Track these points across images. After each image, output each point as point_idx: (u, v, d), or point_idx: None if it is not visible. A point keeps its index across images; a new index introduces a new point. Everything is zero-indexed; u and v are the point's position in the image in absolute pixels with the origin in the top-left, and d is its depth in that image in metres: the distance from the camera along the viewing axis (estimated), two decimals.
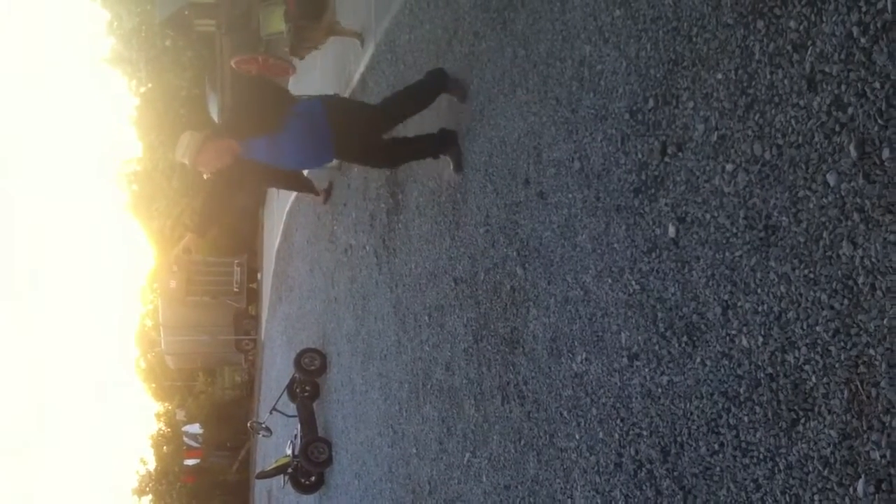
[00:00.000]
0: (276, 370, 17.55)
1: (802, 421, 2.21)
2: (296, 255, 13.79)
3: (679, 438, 2.80)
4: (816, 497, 2.13)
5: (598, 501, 3.34)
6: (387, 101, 5.36)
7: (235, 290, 24.84)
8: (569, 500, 3.63)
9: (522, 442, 4.21)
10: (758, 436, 2.39)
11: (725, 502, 2.51)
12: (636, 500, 3.05)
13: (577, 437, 3.58)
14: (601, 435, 3.37)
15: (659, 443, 2.92)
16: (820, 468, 2.13)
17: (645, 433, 3.03)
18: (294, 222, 14.18)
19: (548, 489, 3.86)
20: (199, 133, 4.76)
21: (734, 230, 2.58)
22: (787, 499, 2.24)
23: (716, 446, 2.59)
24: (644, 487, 3.00)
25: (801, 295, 2.27)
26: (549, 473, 3.85)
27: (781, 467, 2.27)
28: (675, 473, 2.80)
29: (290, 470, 11.25)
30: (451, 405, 5.44)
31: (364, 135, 5.14)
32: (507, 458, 4.41)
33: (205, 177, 5.05)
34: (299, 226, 13.39)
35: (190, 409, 31.33)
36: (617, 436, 3.23)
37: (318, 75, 11.25)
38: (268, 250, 21.14)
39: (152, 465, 33.76)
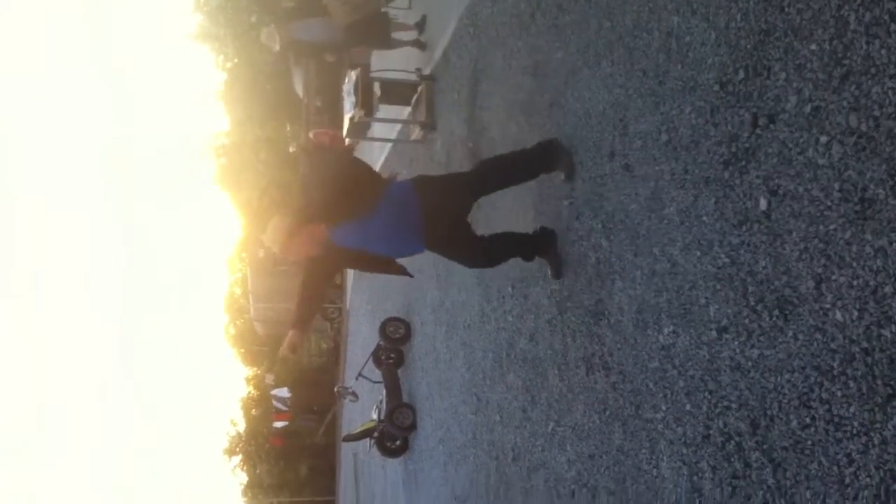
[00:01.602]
0: (362, 338, 17.87)
1: None
2: None
3: (769, 412, 2.79)
4: None
5: (685, 472, 3.36)
6: (478, 174, 5.00)
7: None
8: (654, 469, 3.65)
9: (607, 412, 4.24)
10: (851, 410, 2.37)
11: (816, 476, 2.50)
12: (724, 471, 3.06)
13: (664, 408, 3.59)
14: (688, 407, 3.38)
15: (748, 416, 2.92)
16: None
17: (734, 406, 3.02)
18: None
19: (633, 459, 3.89)
20: (287, 217, 4.46)
21: (829, 203, 2.55)
22: (882, 473, 2.22)
23: (807, 420, 2.58)
24: (732, 459, 3.01)
25: None
26: (635, 444, 3.88)
27: (876, 442, 2.26)
28: (765, 446, 2.80)
29: (375, 434, 11.49)
30: (535, 375, 5.49)
31: (454, 224, 4.85)
32: (591, 428, 4.44)
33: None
34: None
35: (279, 374, 32.12)
36: (705, 408, 3.24)
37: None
38: None
39: (242, 426, 34.82)
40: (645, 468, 3.75)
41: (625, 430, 4.01)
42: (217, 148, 32.51)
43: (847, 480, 2.37)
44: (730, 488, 3.02)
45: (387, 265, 4.93)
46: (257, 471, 33.43)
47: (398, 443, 11.41)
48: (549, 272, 5.08)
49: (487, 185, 4.97)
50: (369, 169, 4.88)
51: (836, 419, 2.43)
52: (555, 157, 4.83)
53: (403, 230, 4.71)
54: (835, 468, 2.43)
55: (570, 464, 4.73)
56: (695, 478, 3.28)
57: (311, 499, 29.94)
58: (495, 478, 6.53)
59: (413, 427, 10.83)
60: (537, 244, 5.08)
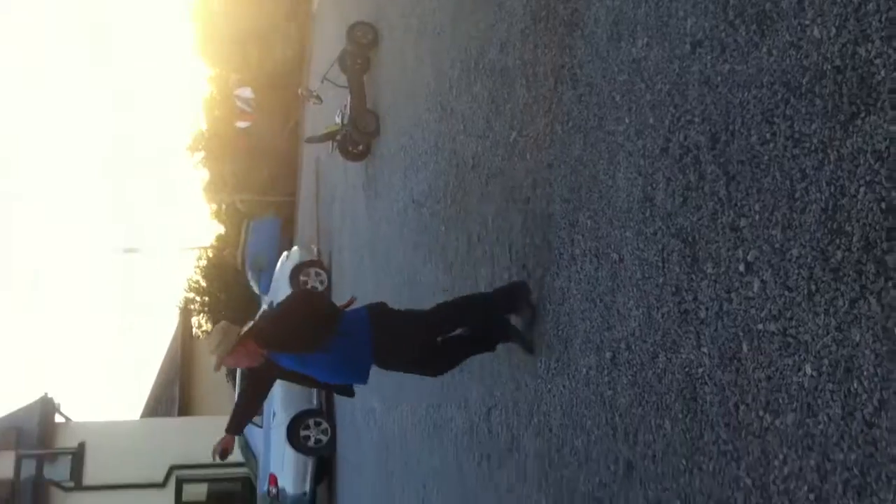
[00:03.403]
0: (328, 41, 17.43)
1: (862, 115, 2.18)
2: None
3: (731, 127, 2.80)
4: (862, 189, 2.16)
5: (640, 183, 3.42)
6: (440, 306, 4.91)
7: None
8: (610, 180, 3.72)
9: (570, 124, 4.24)
10: (813, 127, 2.37)
11: (768, 189, 2.56)
12: (678, 183, 3.12)
13: (627, 121, 3.59)
14: (651, 120, 3.38)
15: (709, 130, 2.93)
16: (871, 162, 2.13)
17: (696, 120, 3.02)
18: None
19: (591, 170, 3.94)
20: (233, 331, 4.43)
21: None
22: (832, 189, 2.27)
23: (767, 136, 2.59)
24: (687, 172, 3.05)
25: None
26: (594, 155, 3.92)
27: (832, 159, 2.28)
28: (722, 160, 2.83)
29: (338, 138, 11.53)
30: (503, 85, 5.43)
31: (408, 353, 4.79)
32: (552, 139, 4.46)
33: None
34: None
35: (243, 76, 31.51)
36: (667, 122, 3.24)
37: None
38: None
39: (205, 126, 34.68)
40: (601, 178, 3.82)
41: (585, 141, 4.03)
42: None
43: (797, 195, 2.42)
44: (681, 199, 3.09)
45: (324, 388, 5.02)
46: (221, 170, 33.81)
47: (360, 147, 11.48)
48: (522, 350, 4.78)
49: (444, 320, 4.84)
50: (326, 305, 4.72)
51: (797, 135, 2.44)
52: (515, 305, 4.71)
53: (350, 366, 4.72)
54: (787, 182, 2.47)
55: (529, 173, 4.80)
56: (648, 188, 3.35)
57: (274, 198, 30.57)
58: (454, 184, 6.65)
59: (376, 133, 10.85)
60: (498, 331, 4.89)
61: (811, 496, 2.29)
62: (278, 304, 5.07)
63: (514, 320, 4.80)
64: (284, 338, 4.50)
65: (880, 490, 2.04)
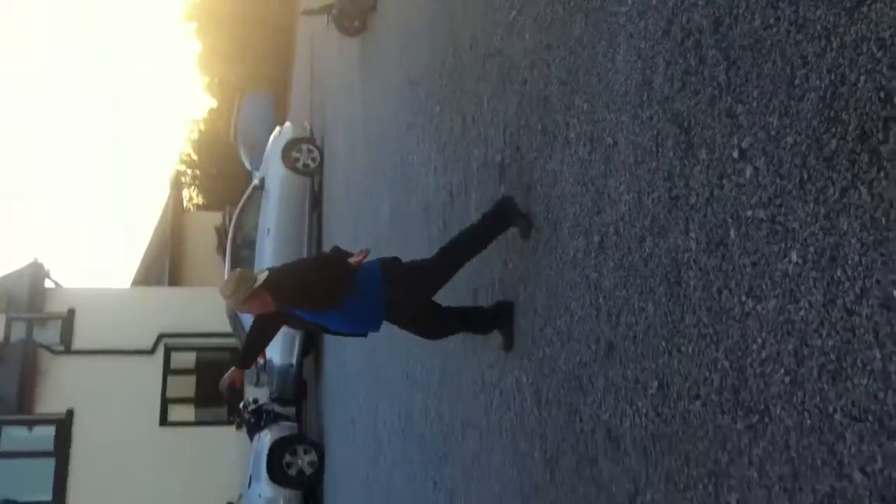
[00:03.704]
0: None
1: (869, 2, 2.14)
2: None
3: (735, 10, 2.73)
4: (863, 78, 2.13)
5: (639, 66, 3.37)
6: (443, 254, 4.95)
7: None
8: (609, 62, 3.66)
9: (572, 3, 4.14)
10: (818, 13, 2.32)
11: (768, 75, 2.52)
12: (678, 67, 3.07)
13: (630, 1, 3.51)
14: (654, 2, 3.30)
15: (713, 13, 2.86)
16: (874, 50, 2.10)
17: (701, 3, 2.95)
18: None
19: (590, 51, 3.88)
20: (248, 280, 4.46)
21: None
22: (833, 77, 2.24)
23: (771, 20, 2.53)
24: (688, 56, 3.00)
25: None
26: (594, 36, 3.84)
27: (834, 46, 2.24)
28: (723, 44, 2.78)
29: (334, 12, 11.28)
30: None
31: (417, 304, 4.88)
32: (553, 18, 4.37)
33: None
34: None
35: None
36: (671, 3, 3.16)
37: None
38: None
39: None
40: (600, 60, 3.76)
41: (586, 21, 3.95)
42: None
43: (797, 82, 2.39)
44: (680, 83, 3.05)
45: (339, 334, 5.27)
46: (213, 42, 33.12)
47: (356, 23, 11.24)
48: (501, 343, 4.88)
49: (452, 257, 4.95)
50: (340, 263, 4.72)
51: (801, 20, 2.39)
52: (510, 215, 4.71)
53: (362, 320, 4.87)
54: (787, 69, 2.43)
55: (527, 53, 4.72)
56: (647, 71, 3.30)
57: (267, 71, 30.11)
58: (450, 64, 6.55)
59: (373, 8, 10.61)
60: (494, 318, 4.93)
61: (786, 379, 2.35)
62: (294, 263, 5.40)
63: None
64: (299, 298, 4.65)
65: (855, 375, 2.09)
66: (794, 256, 2.36)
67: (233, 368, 5.16)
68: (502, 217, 4.74)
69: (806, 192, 2.32)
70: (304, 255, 15.01)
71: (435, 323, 5.04)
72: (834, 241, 2.20)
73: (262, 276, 4.52)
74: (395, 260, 4.90)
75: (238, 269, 4.78)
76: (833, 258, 2.20)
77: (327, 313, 4.77)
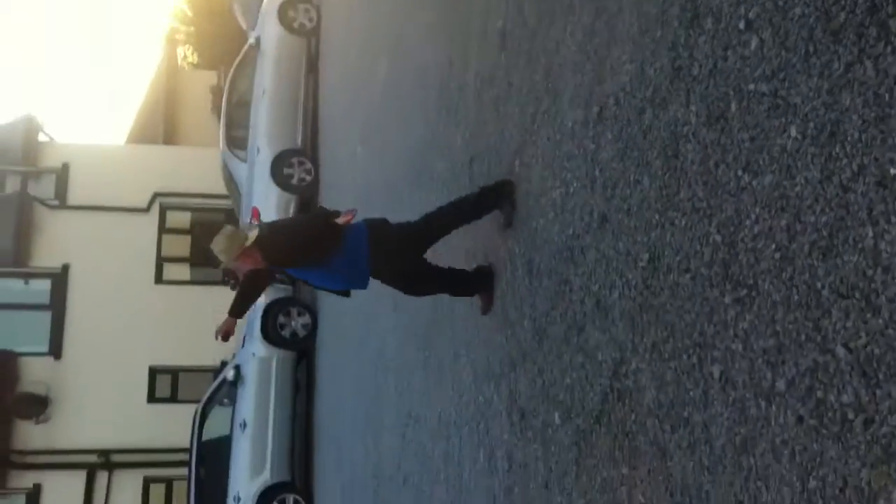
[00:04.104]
0: None
1: None
2: None
3: None
4: None
5: None
6: (430, 219, 5.00)
7: None
8: None
9: None
10: None
11: None
12: None
13: None
14: None
15: None
16: None
17: None
18: None
19: None
20: (238, 238, 4.59)
21: None
22: None
23: None
24: None
25: None
26: None
27: None
28: None
29: None
30: None
31: (401, 264, 5.01)
32: None
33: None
34: None
35: None
36: None
37: None
38: None
39: None
40: None
41: None
42: None
43: None
44: None
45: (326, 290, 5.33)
46: None
47: None
48: (480, 305, 5.08)
49: (438, 224, 5.01)
50: (326, 222, 4.90)
51: None
52: (500, 199, 4.78)
53: (349, 278, 4.99)
54: None
55: None
56: None
57: None
58: None
59: None
60: (475, 281, 5.10)
61: (777, 255, 2.36)
62: (283, 222, 5.59)
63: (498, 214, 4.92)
64: (288, 258, 4.81)
65: (846, 252, 2.10)
66: (793, 132, 2.33)
67: (227, 318, 5.32)
68: (496, 197, 4.82)
69: (810, 66, 2.28)
70: (299, 119, 14.88)
71: (416, 279, 5.20)
72: (835, 116, 2.17)
73: (252, 234, 4.66)
74: (384, 222, 5.01)
75: (228, 227, 4.91)
76: (833, 134, 2.17)
77: (314, 271, 4.91)
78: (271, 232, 4.77)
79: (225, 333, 5.28)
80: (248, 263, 4.69)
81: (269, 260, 4.71)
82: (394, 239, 4.91)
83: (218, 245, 4.62)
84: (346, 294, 5.37)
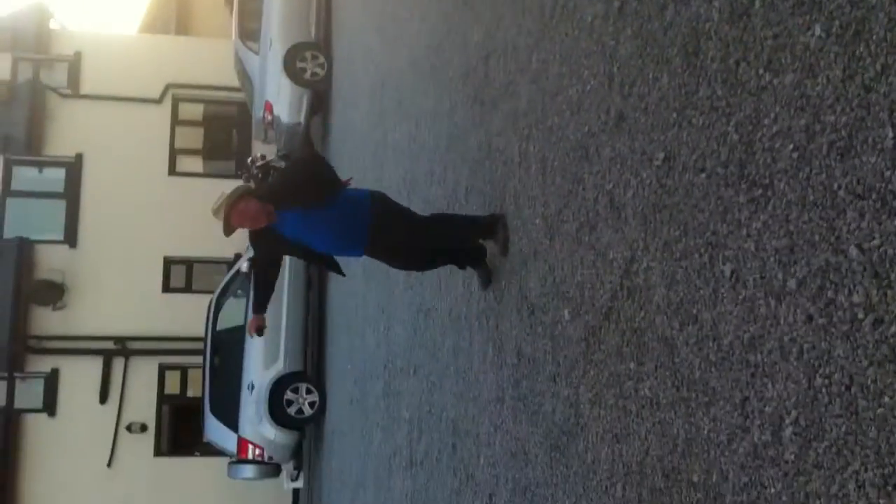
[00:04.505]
0: None
1: None
2: None
3: None
4: None
5: None
6: (436, 221, 5.23)
7: None
8: None
9: None
10: None
11: None
12: None
13: None
14: None
15: None
16: None
17: None
18: None
19: None
20: (238, 189, 4.69)
21: None
22: None
23: None
24: None
25: None
26: None
27: None
28: None
29: None
30: None
31: (403, 241, 5.11)
32: None
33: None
34: None
35: None
36: None
37: None
38: None
39: None
40: None
41: None
42: None
43: None
44: None
45: (322, 260, 5.28)
46: None
47: None
48: (478, 282, 5.18)
49: (441, 231, 5.16)
50: (332, 171, 5.02)
51: None
52: (494, 229, 4.89)
53: (347, 234, 4.95)
54: None
55: None
56: None
57: None
58: None
59: None
60: (471, 255, 5.18)
61: (794, 155, 2.35)
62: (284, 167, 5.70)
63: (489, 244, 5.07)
64: (291, 191, 4.81)
65: (864, 153, 2.09)
66: (817, 30, 2.29)
67: (253, 315, 5.47)
68: (488, 227, 4.94)
69: None
70: (312, 11, 14.64)
71: (417, 252, 5.29)
72: (861, 14, 2.12)
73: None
74: (384, 196, 5.14)
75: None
76: (858, 32, 2.13)
77: (317, 218, 4.85)
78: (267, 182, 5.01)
79: (258, 328, 5.48)
80: (249, 211, 4.71)
81: (265, 198, 4.76)
82: (395, 211, 5.08)
83: (215, 205, 4.78)
84: (341, 272, 5.52)
